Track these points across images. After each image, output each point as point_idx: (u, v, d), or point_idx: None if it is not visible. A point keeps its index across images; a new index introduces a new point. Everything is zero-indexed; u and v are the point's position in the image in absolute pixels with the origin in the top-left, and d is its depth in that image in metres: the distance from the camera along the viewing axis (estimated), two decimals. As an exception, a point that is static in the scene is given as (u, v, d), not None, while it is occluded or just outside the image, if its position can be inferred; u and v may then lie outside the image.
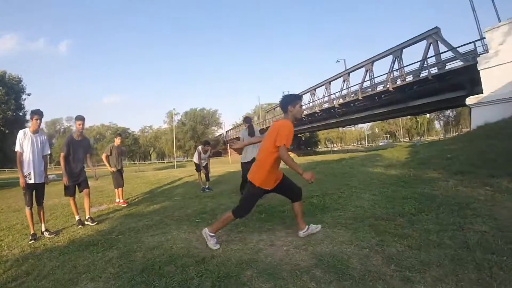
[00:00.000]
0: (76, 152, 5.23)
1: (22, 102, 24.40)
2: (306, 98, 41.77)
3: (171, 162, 44.10)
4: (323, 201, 5.36)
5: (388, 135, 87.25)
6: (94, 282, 2.74)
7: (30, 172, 4.52)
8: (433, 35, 21.20)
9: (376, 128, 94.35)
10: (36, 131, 4.67)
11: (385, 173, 7.85)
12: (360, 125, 78.25)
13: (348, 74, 32.32)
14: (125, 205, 7.02)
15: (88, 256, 3.43)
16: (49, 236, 4.61)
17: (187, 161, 58.80)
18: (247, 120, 7.13)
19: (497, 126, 10.52)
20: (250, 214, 4.46)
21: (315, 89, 39.71)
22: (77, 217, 5.29)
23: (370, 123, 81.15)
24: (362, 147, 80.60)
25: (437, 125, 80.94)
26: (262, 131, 6.46)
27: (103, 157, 7.47)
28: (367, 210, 4.55)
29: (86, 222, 5.19)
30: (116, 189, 7.47)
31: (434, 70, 20.50)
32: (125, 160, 77.98)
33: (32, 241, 4.39)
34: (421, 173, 7.07)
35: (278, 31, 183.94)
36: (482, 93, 13.52)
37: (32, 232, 4.57)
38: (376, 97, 26.13)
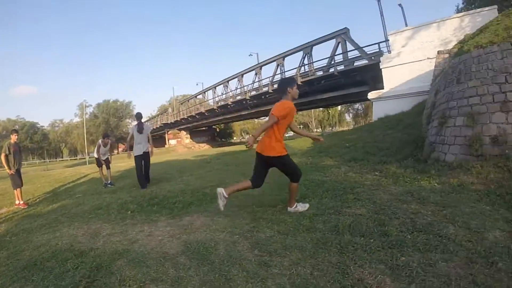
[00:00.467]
0: None
1: None
2: (219, 90, 42.76)
3: (84, 158, 40.53)
4: (215, 191, 5.17)
5: (301, 126, 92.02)
6: (-20, 283, 2.80)
7: None
8: (342, 35, 23.09)
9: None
10: None
11: (285, 161, 7.94)
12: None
13: (260, 67, 34.01)
14: (25, 207, 6.88)
15: (-21, 260, 3.51)
16: None
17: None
18: (137, 116, 7.66)
19: (395, 118, 11.68)
20: (141, 206, 5.10)
21: (228, 81, 40.55)
22: None
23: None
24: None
25: (348, 117, 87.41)
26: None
27: (2, 157, 7.11)
28: (254, 197, 4.58)
29: None
30: (15, 190, 7.22)
31: (341, 67, 22.34)
32: (34, 158, 71.24)
33: None
34: (319, 161, 7.41)
35: (191, 24, 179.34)
36: (383, 89, 15.13)
37: None
38: (286, 90, 27.29)
